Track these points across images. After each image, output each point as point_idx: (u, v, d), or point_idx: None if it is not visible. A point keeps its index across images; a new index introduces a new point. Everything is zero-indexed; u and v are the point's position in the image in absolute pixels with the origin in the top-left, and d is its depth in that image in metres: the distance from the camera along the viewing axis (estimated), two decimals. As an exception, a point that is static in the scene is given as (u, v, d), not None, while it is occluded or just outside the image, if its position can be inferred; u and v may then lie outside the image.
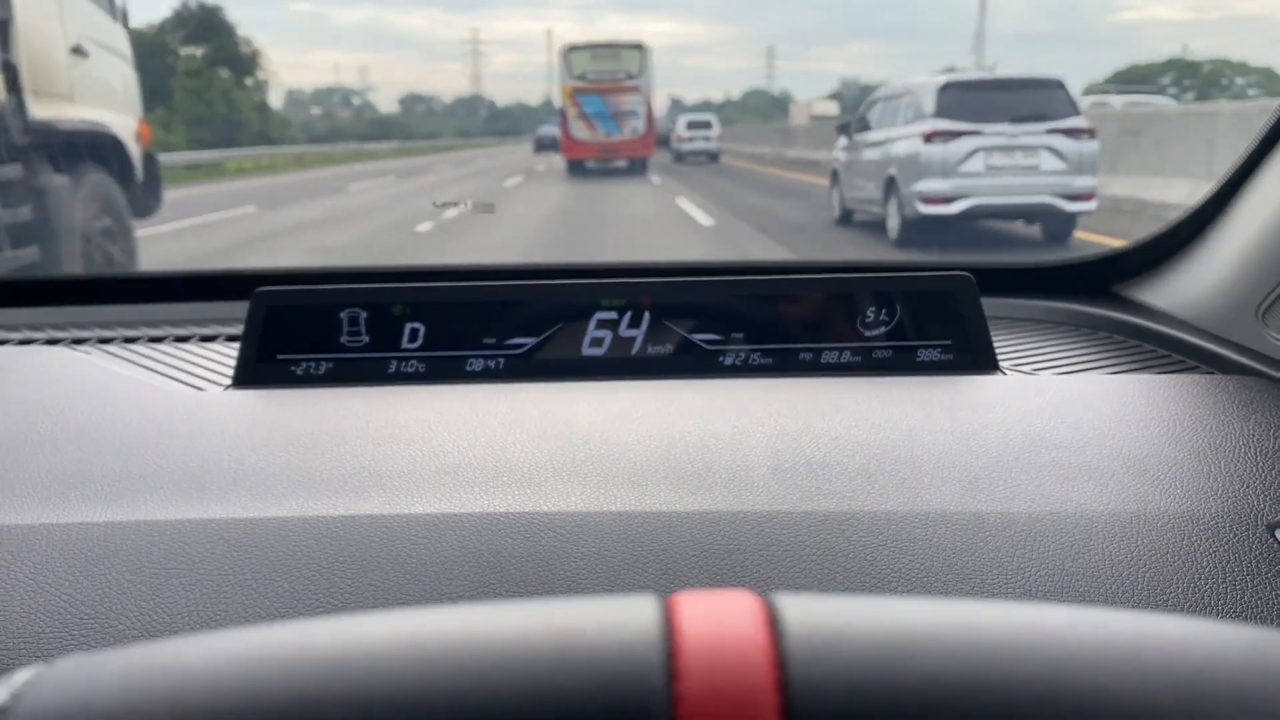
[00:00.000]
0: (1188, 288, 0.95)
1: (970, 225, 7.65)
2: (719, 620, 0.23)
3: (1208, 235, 0.94)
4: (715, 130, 21.16)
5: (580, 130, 17.42)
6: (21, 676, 0.24)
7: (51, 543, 0.53)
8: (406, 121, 52.67)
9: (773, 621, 0.23)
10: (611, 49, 18.51)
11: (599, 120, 17.46)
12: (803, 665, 0.22)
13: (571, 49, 18.51)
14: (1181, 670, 0.23)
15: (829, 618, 0.24)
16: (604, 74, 17.89)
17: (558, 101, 18.91)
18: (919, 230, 7.46)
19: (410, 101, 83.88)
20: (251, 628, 0.25)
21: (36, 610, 0.48)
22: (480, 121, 71.47)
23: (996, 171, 7.33)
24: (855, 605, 0.25)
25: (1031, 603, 0.24)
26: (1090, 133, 7.43)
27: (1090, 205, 7.38)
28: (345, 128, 43.06)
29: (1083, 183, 7.30)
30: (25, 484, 0.60)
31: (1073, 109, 7.57)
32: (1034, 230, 8.00)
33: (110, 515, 0.56)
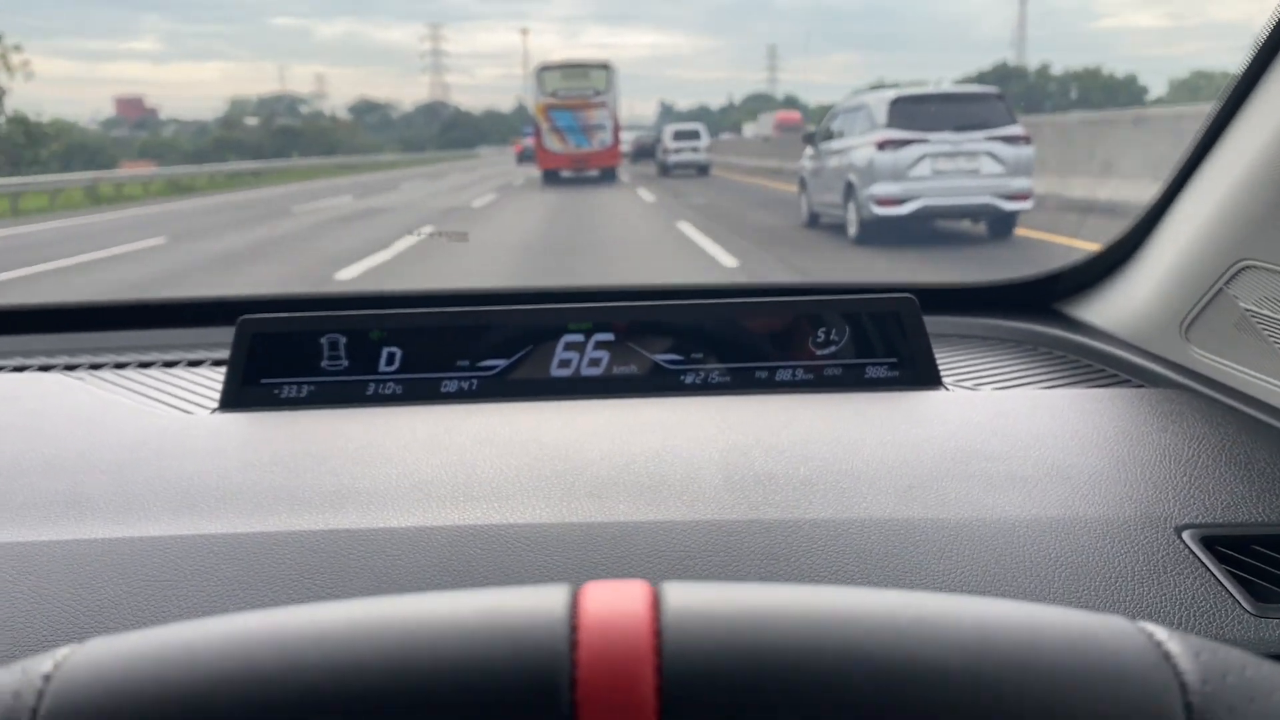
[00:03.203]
0: (1121, 305, 0.96)
1: (921, 224, 7.96)
2: (615, 604, 0.27)
3: (1140, 254, 0.95)
4: (704, 140, 20.96)
5: (553, 143, 18.35)
6: (62, 651, 0.27)
7: (52, 559, 0.55)
8: (336, 132, 41.20)
9: (657, 604, 0.27)
10: (580, 68, 19.63)
11: (570, 133, 18.40)
12: (675, 638, 0.26)
13: (544, 68, 19.55)
14: (983, 643, 0.26)
15: (701, 600, 0.27)
16: (574, 91, 18.89)
17: (532, 107, 19.22)
18: (875, 230, 7.77)
19: (362, 109, 71.29)
20: (228, 616, 0.28)
21: (39, 621, 0.50)
22: (437, 130, 59.74)
23: (942, 175, 7.70)
24: (726, 590, 0.28)
25: (882, 589, 0.28)
26: (1026, 139, 7.82)
27: (1027, 204, 7.74)
28: (245, 141, 32.35)
29: (1019, 184, 7.69)
30: (28, 504, 0.61)
31: (1010, 118, 7.96)
32: (980, 228, 8.34)
33: (107, 532, 0.57)
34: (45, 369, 0.98)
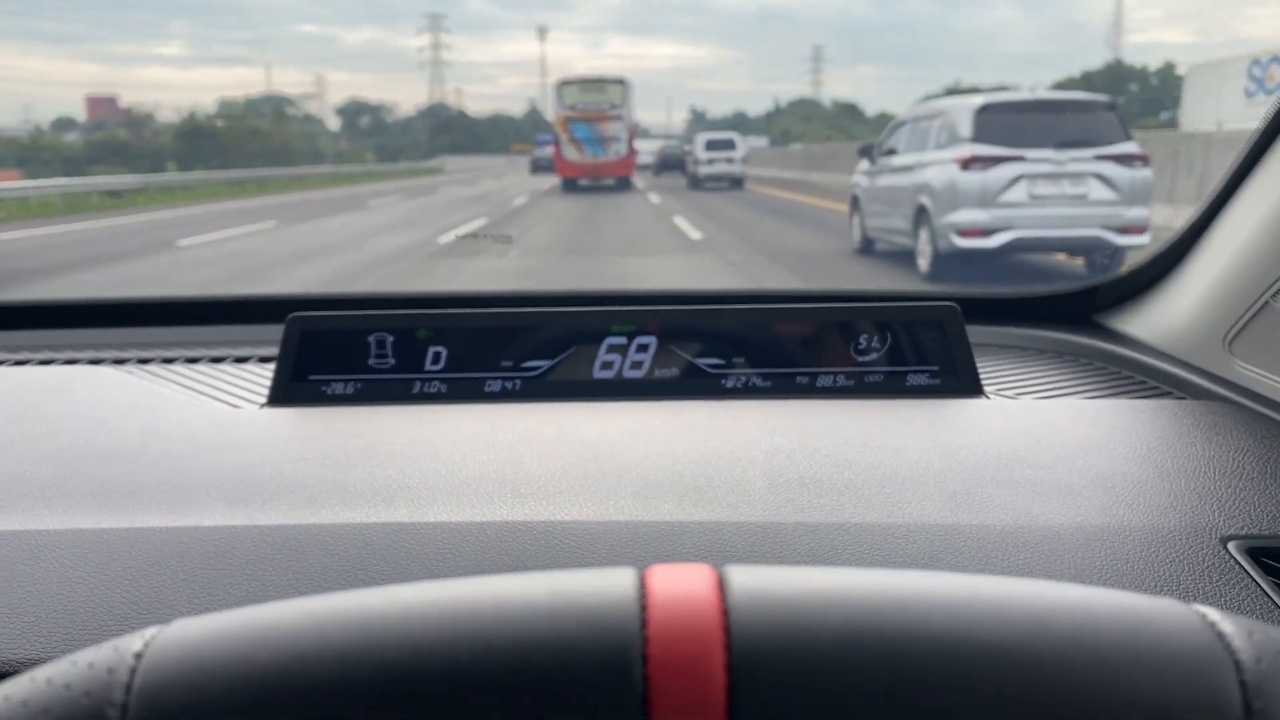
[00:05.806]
0: (1163, 318, 1.05)
1: (1009, 259, 7.32)
2: (682, 586, 0.30)
3: (1183, 267, 1.04)
4: (740, 151, 21.11)
5: (571, 153, 21.91)
6: (150, 631, 0.31)
7: (111, 546, 0.61)
8: (269, 138, 35.54)
9: (722, 586, 0.30)
10: (598, 83, 23.30)
11: (587, 144, 21.51)
12: (742, 618, 0.29)
13: (563, 83, 22.96)
14: (1041, 623, 0.29)
15: (765, 581, 0.31)
16: (591, 104, 22.45)
17: (545, 111, 21.81)
18: (952, 265, 7.15)
19: (352, 111, 69.24)
20: (308, 598, 0.32)
21: (98, 606, 0.56)
22: (426, 137, 56.47)
23: (1041, 201, 7.02)
24: (788, 573, 0.31)
25: (943, 572, 0.30)
26: (1143, 159, 7.14)
27: (1143, 239, 6.99)
28: (143, 150, 28.55)
29: (1135, 214, 6.98)
30: (88, 492, 0.69)
31: (1124, 133, 7.27)
32: (1078, 265, 7.72)
33: (164, 521, 0.64)
34: (95, 363, 1.10)
